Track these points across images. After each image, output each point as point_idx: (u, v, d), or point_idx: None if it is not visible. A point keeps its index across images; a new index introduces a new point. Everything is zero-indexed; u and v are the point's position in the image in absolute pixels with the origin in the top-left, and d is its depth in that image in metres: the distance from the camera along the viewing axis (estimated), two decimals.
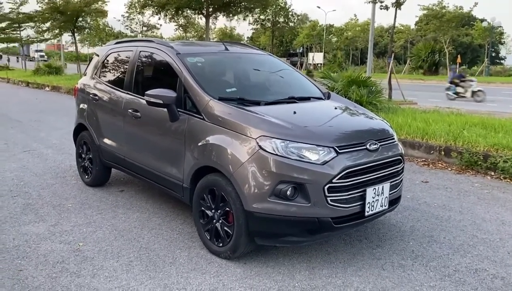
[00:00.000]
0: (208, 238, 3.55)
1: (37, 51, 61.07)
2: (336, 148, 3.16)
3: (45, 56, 58.74)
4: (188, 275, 3.20)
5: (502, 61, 64.03)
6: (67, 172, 5.93)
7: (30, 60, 52.60)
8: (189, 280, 3.14)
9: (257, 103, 3.70)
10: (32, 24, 30.74)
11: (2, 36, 34.29)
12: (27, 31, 34.14)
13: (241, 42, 7.18)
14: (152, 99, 3.73)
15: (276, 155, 3.10)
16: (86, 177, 5.34)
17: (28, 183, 5.44)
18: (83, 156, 5.39)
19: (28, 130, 9.16)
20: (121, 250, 3.61)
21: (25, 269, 3.28)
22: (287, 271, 3.27)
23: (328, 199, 3.08)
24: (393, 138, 3.65)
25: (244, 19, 23.41)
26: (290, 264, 3.38)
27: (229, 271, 3.27)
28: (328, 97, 4.39)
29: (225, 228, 3.39)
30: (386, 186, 3.39)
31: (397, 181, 3.58)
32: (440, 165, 6.48)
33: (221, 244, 3.44)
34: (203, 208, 3.58)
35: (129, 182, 5.54)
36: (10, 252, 3.55)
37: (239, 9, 21.33)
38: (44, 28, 28.55)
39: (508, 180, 5.67)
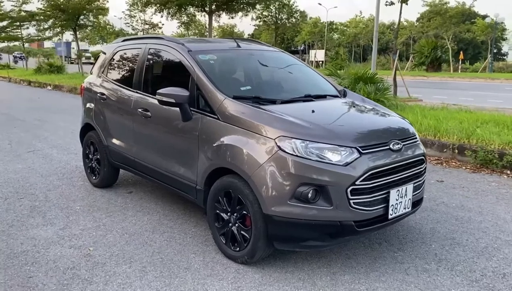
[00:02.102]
0: (224, 242, 3.42)
1: (84, 51, 50.32)
2: (358, 148, 3.03)
3: (92, 59, 47.67)
4: (205, 282, 3.07)
5: (504, 57, 63.80)
6: (73, 173, 5.81)
7: (72, 63, 43.56)
8: (206, 287, 3.01)
9: (273, 102, 3.57)
10: (33, 22, 30.54)
11: (3, 34, 34.10)
12: (29, 30, 33.92)
13: (252, 39, 7.05)
14: (164, 98, 3.60)
15: (296, 155, 2.96)
16: (94, 178, 5.21)
17: (34, 184, 5.31)
18: (90, 156, 5.26)
19: (31, 130, 9.03)
20: (133, 255, 3.48)
21: (35, 276, 3.15)
22: (307, 277, 3.14)
23: (351, 201, 2.95)
24: (416, 138, 3.52)
25: (246, 16, 23.24)
26: (310, 269, 3.25)
27: (247, 277, 3.14)
28: (345, 95, 4.25)
29: (242, 232, 3.26)
30: (410, 187, 3.26)
31: (420, 182, 3.45)
32: (453, 163, 6.35)
33: (237, 249, 3.30)
34: (218, 211, 3.44)
35: (137, 182, 5.41)
36: (18, 258, 3.42)
37: (242, 5, 21.17)
38: (46, 27, 28.38)
39: None
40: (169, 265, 3.32)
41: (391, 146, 3.17)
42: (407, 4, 13.51)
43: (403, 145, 3.27)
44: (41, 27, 29.61)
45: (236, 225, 3.30)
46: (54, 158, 6.60)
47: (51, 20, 26.85)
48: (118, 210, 4.46)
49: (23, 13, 30.04)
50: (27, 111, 12.00)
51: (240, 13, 22.75)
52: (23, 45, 36.04)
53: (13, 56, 48.30)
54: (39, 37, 33.73)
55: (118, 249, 3.58)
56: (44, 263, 3.34)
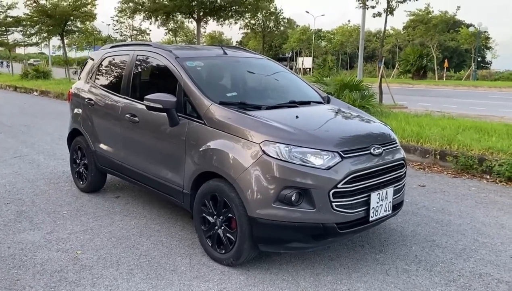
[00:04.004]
0: (210, 244, 3.49)
1: None
2: (340, 152, 3.13)
3: None
4: (191, 283, 3.14)
5: (488, 65, 64.93)
6: (60, 178, 5.82)
7: None
8: (192, 288, 3.07)
9: (258, 108, 3.66)
10: (20, 28, 30.31)
11: None
12: (14, 35, 33.57)
13: (239, 46, 7.13)
14: (152, 104, 3.67)
15: (280, 159, 3.06)
16: (81, 182, 5.24)
17: (21, 189, 5.32)
18: (77, 161, 5.29)
19: (18, 135, 9.00)
20: (120, 258, 3.53)
21: (22, 279, 3.18)
22: (291, 278, 3.23)
23: (333, 204, 3.05)
24: (396, 143, 3.64)
25: (235, 23, 23.40)
26: (294, 270, 3.34)
27: (232, 279, 3.21)
28: (328, 101, 4.37)
29: (228, 234, 3.33)
30: (390, 190, 3.37)
31: (400, 186, 3.56)
32: (435, 168, 6.51)
33: (223, 251, 3.38)
34: (204, 214, 3.52)
35: (124, 187, 5.45)
36: (6, 261, 3.45)
37: (230, 13, 21.34)
38: (32, 32, 28.19)
39: (504, 183, 5.71)
40: (156, 267, 3.37)
41: (372, 151, 3.29)
42: (392, 15, 13.79)
43: (384, 150, 3.39)
44: (27, 32, 29.40)
45: (222, 227, 3.38)
46: (41, 163, 6.60)
47: (37, 26, 26.69)
48: (105, 214, 4.50)
49: (9, 19, 29.78)
50: (13, 116, 11.93)
51: (228, 21, 22.90)
52: (9, 51, 35.67)
53: (27, 64, 41.55)
54: (25, 43, 33.45)
55: (106, 252, 3.62)
56: (32, 266, 3.37)
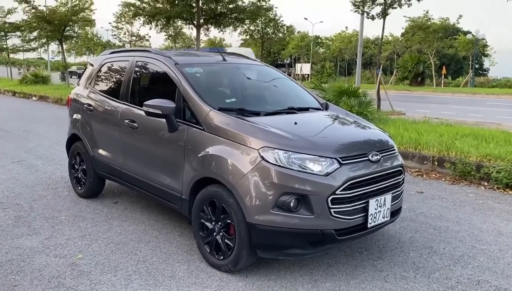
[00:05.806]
0: (208, 250, 3.49)
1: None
2: (339, 159, 3.14)
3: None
4: (189, 289, 3.13)
5: (485, 72, 65.25)
6: (58, 183, 5.82)
7: None
8: None
9: (257, 114, 3.68)
10: (19, 33, 30.36)
11: None
12: (13, 40, 33.60)
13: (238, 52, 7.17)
14: (151, 110, 3.68)
15: (279, 166, 3.07)
16: (79, 188, 5.24)
17: (19, 194, 5.31)
18: (76, 166, 5.29)
19: (16, 140, 8.99)
20: (118, 263, 3.52)
21: (20, 285, 3.17)
22: (289, 284, 3.22)
23: (332, 210, 3.06)
24: (394, 149, 3.65)
25: (235, 30, 23.42)
26: (292, 277, 3.33)
27: (231, 285, 3.21)
28: (326, 108, 4.39)
29: (226, 240, 3.33)
30: (388, 197, 3.38)
31: (398, 192, 3.57)
32: (433, 175, 6.52)
33: (221, 257, 3.38)
34: (202, 220, 3.52)
35: (122, 193, 5.45)
36: (3, 267, 3.44)
37: (230, 20, 21.38)
38: (31, 38, 28.22)
39: (502, 190, 5.72)
40: (154, 273, 3.37)
41: (370, 157, 3.30)
42: (385, 18, 13.91)
43: (382, 156, 3.41)
44: (26, 38, 29.44)
45: (220, 234, 3.38)
46: (39, 169, 6.60)
47: (36, 31, 26.73)
48: (104, 220, 4.50)
49: (7, 24, 29.82)
50: (12, 121, 11.91)
51: (230, 28, 22.92)
52: (8, 56, 35.72)
53: (69, 71, 34.53)
54: (24, 48, 33.50)
55: (104, 258, 3.61)
56: (29, 272, 3.36)
